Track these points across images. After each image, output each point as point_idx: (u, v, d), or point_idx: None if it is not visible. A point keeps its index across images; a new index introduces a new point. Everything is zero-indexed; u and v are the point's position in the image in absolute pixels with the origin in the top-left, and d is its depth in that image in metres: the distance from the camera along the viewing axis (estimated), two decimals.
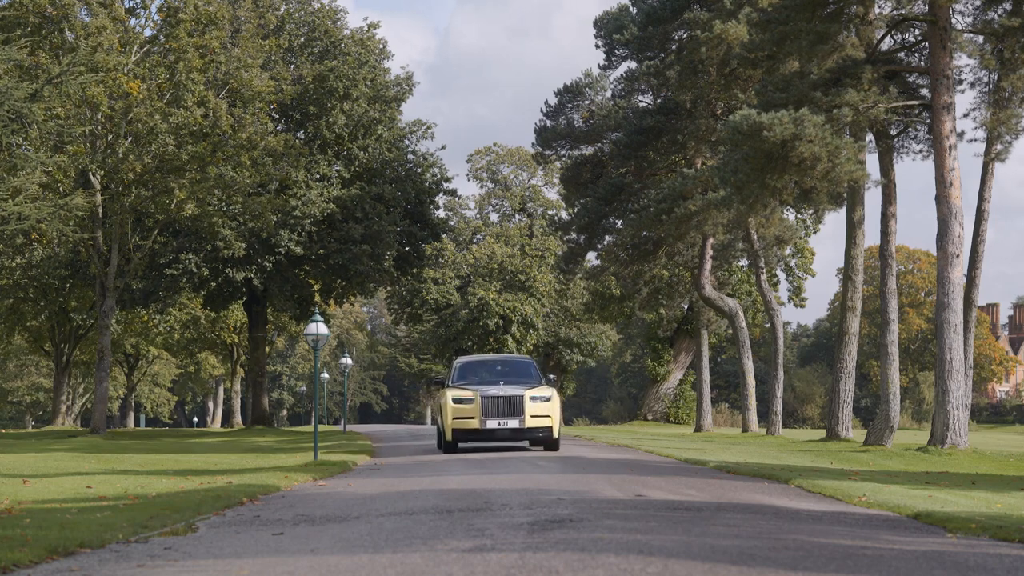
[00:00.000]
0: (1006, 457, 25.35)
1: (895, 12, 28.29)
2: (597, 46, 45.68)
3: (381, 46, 46.85)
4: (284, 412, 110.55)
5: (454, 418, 21.87)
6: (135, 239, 37.79)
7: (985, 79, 28.45)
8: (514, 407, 21.72)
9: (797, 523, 8.77)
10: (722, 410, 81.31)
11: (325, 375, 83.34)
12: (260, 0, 43.86)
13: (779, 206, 37.74)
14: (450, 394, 22.21)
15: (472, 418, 21.77)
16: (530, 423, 21.70)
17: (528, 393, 21.89)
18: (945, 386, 25.62)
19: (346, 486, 13.93)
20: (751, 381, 42.32)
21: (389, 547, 7.21)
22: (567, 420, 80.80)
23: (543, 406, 21.83)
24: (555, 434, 21.93)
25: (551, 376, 24.24)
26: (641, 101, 46.12)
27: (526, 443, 23.72)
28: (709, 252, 42.89)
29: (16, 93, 22.54)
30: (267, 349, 57.17)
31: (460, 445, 22.87)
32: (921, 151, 30.27)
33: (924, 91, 28.20)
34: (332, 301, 50.55)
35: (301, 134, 45.12)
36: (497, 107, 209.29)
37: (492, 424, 21.66)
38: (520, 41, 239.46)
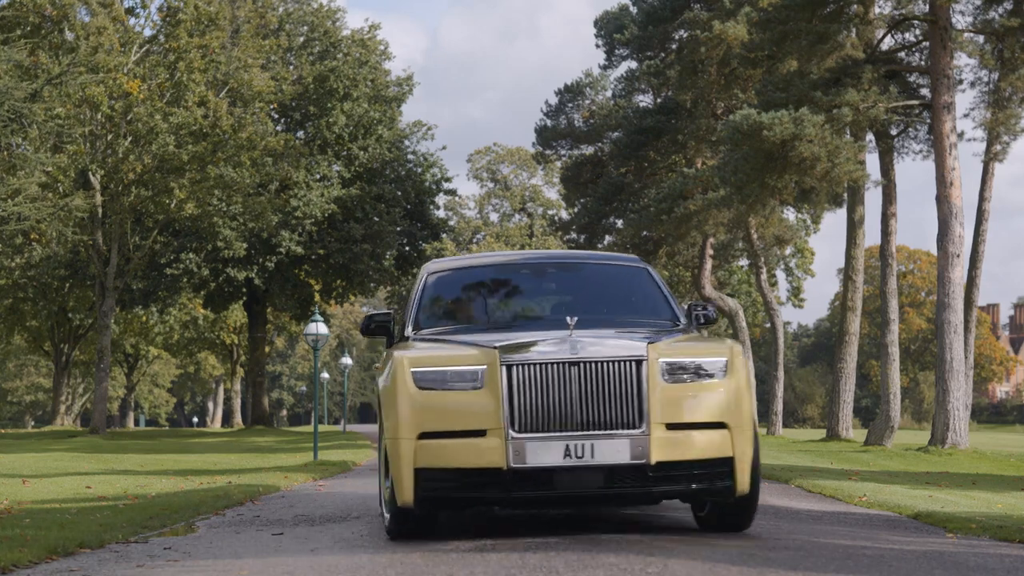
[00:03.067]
0: (1006, 457, 25.36)
1: (895, 12, 28.31)
2: (597, 46, 45.76)
3: (382, 47, 46.94)
4: (284, 412, 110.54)
5: (421, 435, 7.20)
6: (135, 239, 37.78)
7: (985, 79, 28.48)
8: (615, 398, 7.14)
9: (797, 523, 8.77)
10: None
11: (325, 375, 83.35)
12: (260, 0, 43.88)
13: (779, 206, 37.76)
14: (407, 361, 7.43)
15: (479, 434, 7.13)
16: (667, 450, 7.15)
17: (662, 354, 7.32)
18: (945, 386, 25.61)
19: (346, 486, 13.92)
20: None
21: (389, 547, 7.21)
22: None
23: (707, 395, 7.30)
24: (743, 481, 7.31)
25: (704, 307, 8.70)
26: (641, 101, 46.18)
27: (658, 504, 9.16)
28: (709, 252, 42.89)
29: (16, 93, 22.52)
30: (267, 349, 57.17)
31: (439, 519, 8.18)
32: (921, 151, 30.29)
33: (924, 91, 28.21)
34: (332, 301, 50.58)
35: (301, 134, 45.15)
36: (488, 108, 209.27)
37: (547, 457, 7.06)
38: (510, 42, 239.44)
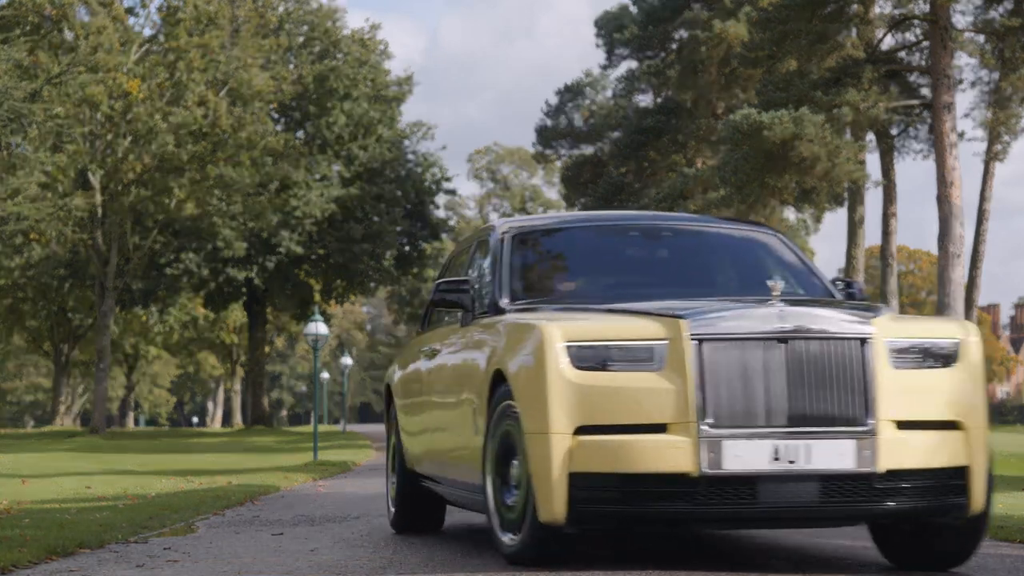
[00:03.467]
0: (1006, 457, 25.34)
1: (895, 12, 28.31)
2: (597, 45, 45.72)
3: (382, 47, 46.98)
4: (284, 412, 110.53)
5: (578, 429, 5.45)
6: (135, 239, 37.78)
7: (985, 79, 28.51)
8: (836, 386, 5.46)
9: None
10: None
11: (325, 375, 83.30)
12: (260, 0, 43.89)
13: (779, 206, 37.76)
14: (558, 332, 5.57)
15: (658, 428, 5.40)
16: (898, 456, 5.44)
17: (886, 332, 5.59)
18: None
19: (346, 486, 13.92)
20: None
21: (390, 547, 7.20)
22: None
23: (938, 385, 5.61)
24: (978, 498, 5.59)
25: (849, 283, 6.97)
26: (641, 101, 46.18)
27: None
28: None
29: (16, 93, 22.49)
30: (267, 349, 57.17)
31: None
32: (921, 151, 30.31)
33: (924, 91, 28.23)
34: (332, 301, 50.62)
35: (301, 134, 45.17)
36: (488, 108, 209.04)
37: (751, 461, 5.36)
38: (509, 42, 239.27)
